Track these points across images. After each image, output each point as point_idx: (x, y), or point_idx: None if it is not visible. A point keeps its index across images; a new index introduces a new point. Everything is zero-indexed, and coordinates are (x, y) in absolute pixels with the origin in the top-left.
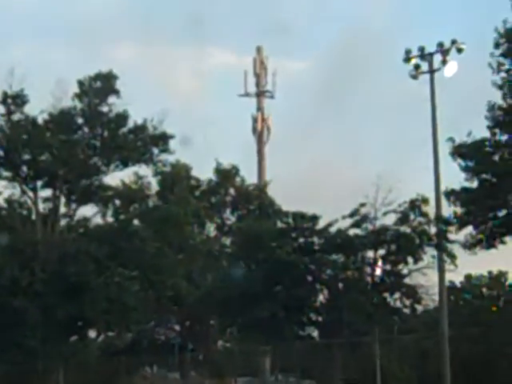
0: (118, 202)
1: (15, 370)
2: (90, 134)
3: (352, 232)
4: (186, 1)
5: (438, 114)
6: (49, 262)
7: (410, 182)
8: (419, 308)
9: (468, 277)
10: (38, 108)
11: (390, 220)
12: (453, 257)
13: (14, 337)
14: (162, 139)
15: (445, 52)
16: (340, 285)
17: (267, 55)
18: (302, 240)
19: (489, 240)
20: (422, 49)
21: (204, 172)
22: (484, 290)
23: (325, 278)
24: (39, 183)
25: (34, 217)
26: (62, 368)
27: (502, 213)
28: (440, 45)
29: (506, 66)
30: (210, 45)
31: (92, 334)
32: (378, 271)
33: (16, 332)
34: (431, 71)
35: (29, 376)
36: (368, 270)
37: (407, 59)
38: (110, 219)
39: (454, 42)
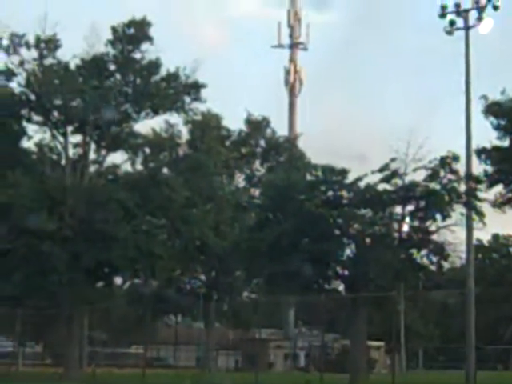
0: (147, 149)
1: (40, 314)
2: (122, 80)
3: (381, 187)
4: None
5: (472, 71)
6: (77, 208)
7: (442, 139)
8: (446, 265)
9: (496, 236)
10: (71, 53)
11: (419, 176)
12: (481, 215)
13: (40, 282)
14: (194, 88)
15: (481, 9)
16: (367, 240)
17: (301, 7)
18: (330, 193)
19: None
20: (457, 5)
21: (235, 122)
22: (511, 249)
23: (352, 232)
24: (70, 128)
25: (63, 162)
26: (86, 313)
27: None
28: (476, 2)
29: None
30: None
31: (118, 280)
32: (406, 227)
33: (42, 277)
34: (466, 28)
35: (54, 321)
36: (396, 225)
37: (443, 15)
38: (139, 167)
39: None
